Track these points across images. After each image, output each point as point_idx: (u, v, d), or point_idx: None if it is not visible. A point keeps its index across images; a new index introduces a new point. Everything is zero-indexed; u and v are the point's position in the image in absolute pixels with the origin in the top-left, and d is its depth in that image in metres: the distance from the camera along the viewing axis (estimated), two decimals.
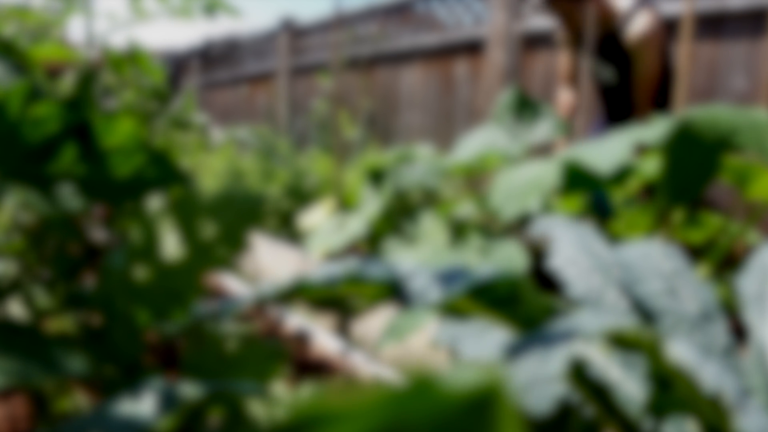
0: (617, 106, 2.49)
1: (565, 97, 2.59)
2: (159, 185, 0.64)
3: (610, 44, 2.33)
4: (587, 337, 0.34)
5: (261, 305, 1.85)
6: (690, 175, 1.11)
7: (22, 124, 0.55)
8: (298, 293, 0.44)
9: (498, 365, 0.15)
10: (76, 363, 0.49)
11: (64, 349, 0.50)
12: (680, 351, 0.37)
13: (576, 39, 2.44)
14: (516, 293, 0.42)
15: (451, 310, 0.44)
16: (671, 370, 0.38)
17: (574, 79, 2.54)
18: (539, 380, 0.33)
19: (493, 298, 0.42)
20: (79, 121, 0.57)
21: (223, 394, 0.46)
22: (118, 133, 0.59)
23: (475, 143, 1.61)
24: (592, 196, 1.66)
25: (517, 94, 1.65)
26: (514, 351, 0.35)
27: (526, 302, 0.43)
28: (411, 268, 0.45)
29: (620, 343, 0.37)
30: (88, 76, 0.81)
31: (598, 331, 0.35)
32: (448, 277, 0.42)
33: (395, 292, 0.43)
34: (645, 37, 2.22)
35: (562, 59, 2.58)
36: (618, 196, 1.63)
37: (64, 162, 0.58)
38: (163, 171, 0.63)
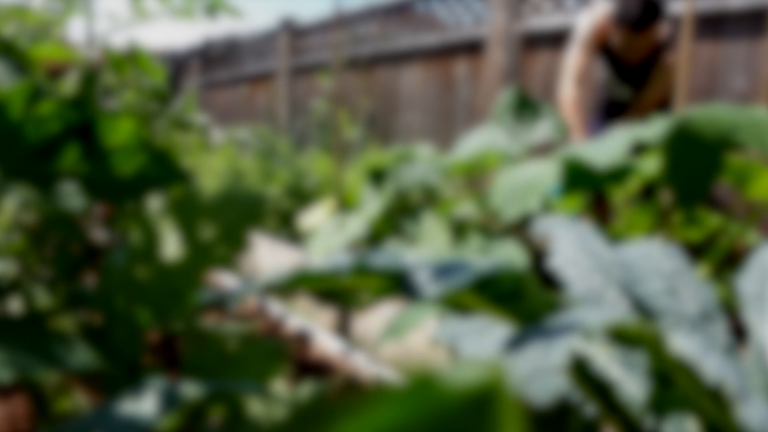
0: (619, 105, 2.56)
1: (571, 93, 2.54)
2: (161, 184, 0.64)
3: (638, 68, 2.48)
4: (589, 331, 0.34)
5: (262, 304, 1.85)
6: (691, 174, 1.11)
7: (24, 124, 0.55)
8: (302, 282, 0.43)
9: (498, 362, 0.15)
10: (81, 357, 0.49)
11: (67, 344, 0.50)
12: (683, 343, 0.37)
13: (622, 60, 2.47)
14: (519, 288, 0.42)
15: (454, 305, 0.44)
16: (673, 364, 0.38)
17: (584, 79, 2.53)
18: (541, 372, 0.33)
19: (497, 292, 0.42)
20: (81, 120, 0.57)
21: (224, 394, 0.47)
22: (120, 132, 0.59)
23: (475, 143, 1.61)
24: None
25: (517, 94, 1.65)
26: (516, 343, 0.35)
27: (529, 297, 0.43)
28: (417, 260, 0.45)
29: (622, 338, 0.37)
30: (91, 76, 0.82)
31: (601, 325, 0.35)
32: (453, 269, 0.42)
33: (400, 283, 0.43)
34: (670, 66, 2.41)
35: (577, 57, 2.52)
36: (618, 195, 1.63)
37: (66, 161, 0.59)
38: (165, 170, 0.63)
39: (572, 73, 2.52)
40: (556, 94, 2.67)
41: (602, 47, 2.50)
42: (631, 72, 2.48)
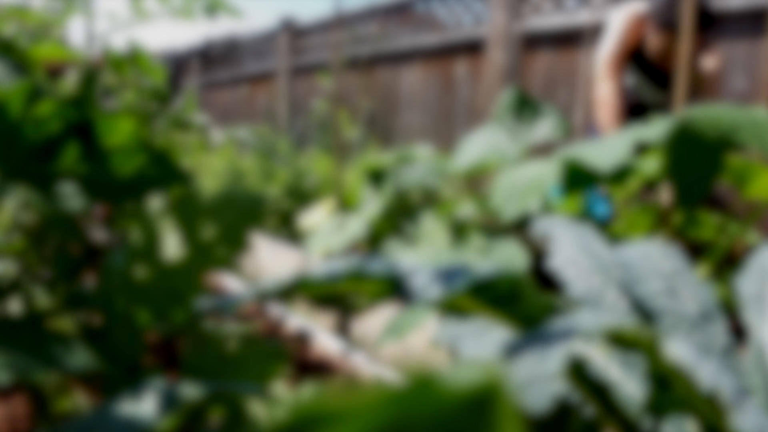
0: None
1: (608, 93, 2.33)
2: (160, 185, 0.64)
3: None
4: (586, 336, 0.34)
5: (262, 304, 1.85)
6: (692, 174, 1.11)
7: (24, 124, 0.55)
8: (300, 289, 0.43)
9: (497, 364, 0.15)
10: (79, 358, 0.49)
11: (66, 345, 0.50)
12: (678, 350, 0.37)
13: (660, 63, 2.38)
14: (517, 291, 0.42)
15: (452, 309, 0.44)
16: (669, 369, 0.38)
17: (619, 78, 2.36)
18: (538, 378, 0.33)
19: (494, 296, 0.42)
20: (81, 120, 0.57)
21: (224, 395, 0.47)
22: (119, 132, 0.59)
23: (477, 146, 1.61)
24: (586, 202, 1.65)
25: (517, 94, 1.65)
26: (514, 349, 0.35)
27: (527, 300, 0.43)
28: (413, 265, 0.45)
29: (619, 342, 0.37)
30: (90, 76, 0.82)
31: (597, 329, 0.35)
32: (450, 274, 0.42)
33: (397, 289, 0.43)
34: (711, 75, 2.33)
35: (611, 55, 2.34)
36: (618, 195, 1.63)
37: (66, 161, 0.59)
38: (165, 170, 0.63)
39: (607, 71, 2.37)
40: (592, 94, 2.50)
41: (634, 50, 2.38)
42: (667, 77, 2.37)
